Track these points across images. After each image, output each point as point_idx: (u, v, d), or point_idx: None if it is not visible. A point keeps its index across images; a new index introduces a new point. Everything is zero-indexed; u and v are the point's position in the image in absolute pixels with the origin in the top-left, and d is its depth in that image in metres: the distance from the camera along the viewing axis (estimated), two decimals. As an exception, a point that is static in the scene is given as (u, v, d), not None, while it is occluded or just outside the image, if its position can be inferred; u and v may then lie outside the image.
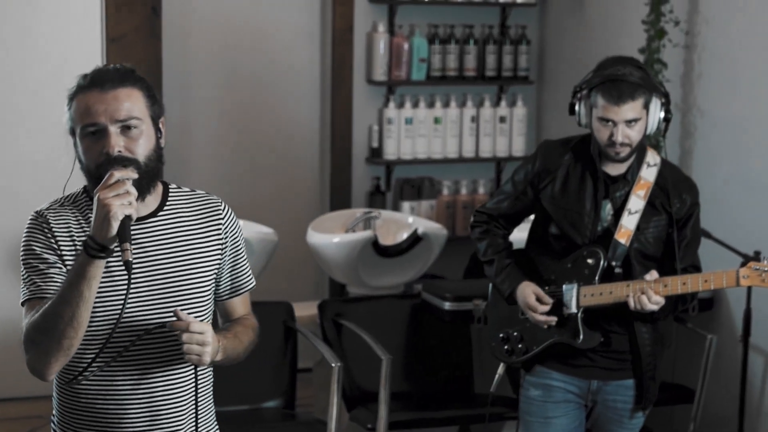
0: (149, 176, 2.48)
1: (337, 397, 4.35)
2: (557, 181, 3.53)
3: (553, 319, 3.52)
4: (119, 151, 2.44)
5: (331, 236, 5.35)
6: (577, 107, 3.51)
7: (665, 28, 5.13)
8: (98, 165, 2.45)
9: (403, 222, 5.61)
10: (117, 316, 2.44)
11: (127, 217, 2.35)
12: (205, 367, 2.57)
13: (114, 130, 2.45)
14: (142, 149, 2.47)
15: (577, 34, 6.01)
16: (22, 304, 2.49)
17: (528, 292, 3.54)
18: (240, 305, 2.74)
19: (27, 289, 2.48)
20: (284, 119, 6.09)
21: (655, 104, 3.44)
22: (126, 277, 2.40)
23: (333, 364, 4.35)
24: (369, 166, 6.13)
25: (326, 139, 6.11)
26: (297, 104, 6.11)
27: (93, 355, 2.46)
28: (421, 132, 6.08)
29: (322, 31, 6.08)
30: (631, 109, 3.37)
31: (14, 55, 5.48)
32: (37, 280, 2.46)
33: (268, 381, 4.66)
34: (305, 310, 5.13)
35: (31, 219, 2.53)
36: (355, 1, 5.97)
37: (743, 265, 3.52)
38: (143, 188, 2.46)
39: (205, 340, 2.43)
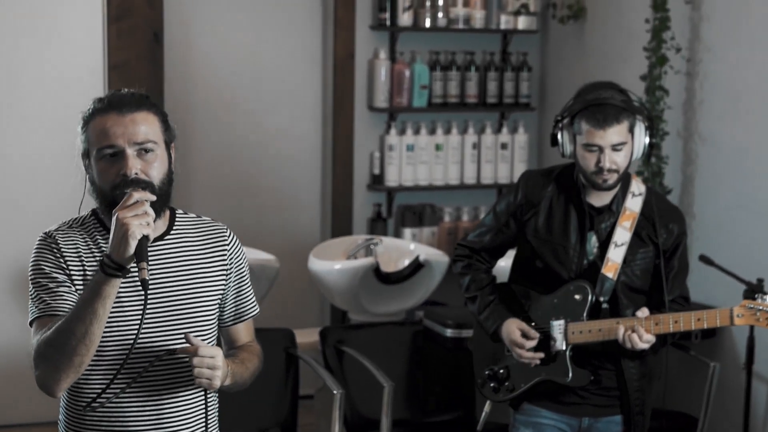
0: (162, 200, 2.52)
1: (338, 424, 4.33)
2: (541, 214, 3.46)
3: (540, 356, 3.44)
4: (136, 174, 2.47)
5: (333, 263, 5.34)
6: (559, 137, 3.42)
7: (667, 55, 5.14)
8: (114, 186, 2.47)
9: (405, 249, 5.60)
10: (125, 338, 2.48)
11: (145, 237, 2.38)
12: (214, 391, 2.58)
13: (131, 152, 2.48)
14: (157, 173, 2.51)
15: (578, 61, 6.02)
16: (31, 323, 2.50)
17: (512, 328, 3.46)
18: (244, 332, 2.76)
19: (36, 307, 2.49)
20: (285, 146, 6.09)
21: (640, 128, 3.36)
22: (132, 299, 2.46)
23: (335, 391, 4.33)
24: (370, 192, 6.13)
25: (328, 166, 6.12)
26: (298, 131, 6.11)
27: (99, 376, 2.48)
28: (422, 158, 6.08)
29: (324, 57, 6.09)
30: (616, 132, 3.29)
31: (16, 81, 5.49)
32: (47, 298, 2.47)
33: (270, 407, 4.64)
34: (307, 337, 5.12)
35: (39, 240, 2.55)
36: (357, 28, 5.98)
37: (747, 293, 3.51)
38: (156, 211, 2.48)
39: (215, 364, 2.46)
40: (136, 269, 2.40)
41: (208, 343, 2.60)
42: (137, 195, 2.41)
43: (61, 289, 2.48)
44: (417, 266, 5.27)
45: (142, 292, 2.41)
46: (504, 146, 6.21)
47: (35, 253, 2.54)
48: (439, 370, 4.95)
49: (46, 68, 5.53)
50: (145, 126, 2.51)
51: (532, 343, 3.44)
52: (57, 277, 2.49)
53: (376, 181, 6.09)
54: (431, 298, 5.56)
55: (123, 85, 5.46)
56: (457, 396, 4.92)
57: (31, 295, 2.52)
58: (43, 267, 2.50)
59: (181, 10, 5.80)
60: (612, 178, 3.34)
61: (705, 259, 4.58)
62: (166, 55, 5.70)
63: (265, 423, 4.62)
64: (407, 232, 6.07)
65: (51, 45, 5.53)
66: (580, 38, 6.00)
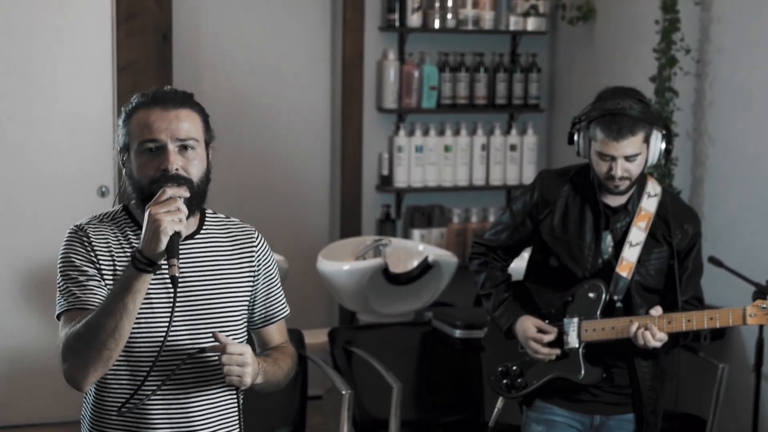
0: (198, 198, 2.52)
1: (347, 425, 4.33)
2: (556, 212, 3.47)
3: (556, 352, 3.45)
4: (177, 169, 2.47)
5: (341, 264, 5.34)
6: (575, 137, 3.45)
7: (676, 57, 5.13)
8: (153, 180, 2.47)
9: (414, 250, 5.60)
10: (153, 335, 2.48)
11: (177, 234, 2.38)
12: (244, 390, 2.57)
13: (173, 148, 2.48)
14: (196, 170, 2.51)
15: (587, 62, 6.01)
16: (59, 316, 2.50)
17: (528, 325, 3.47)
18: (276, 333, 2.75)
19: (65, 300, 2.49)
20: (294, 147, 6.10)
21: (656, 137, 3.37)
22: (161, 296, 2.47)
23: (343, 392, 4.33)
24: (379, 193, 6.13)
25: (336, 167, 6.12)
26: (307, 132, 6.12)
27: (126, 374, 2.49)
28: (431, 160, 6.08)
29: (333, 58, 6.09)
30: (630, 144, 3.30)
31: (27, 82, 5.51)
32: (76, 291, 2.47)
33: (279, 408, 4.64)
34: (315, 338, 5.13)
35: (70, 232, 2.54)
36: (366, 29, 5.98)
37: (756, 294, 3.50)
38: (192, 208, 2.49)
39: (244, 361, 2.45)
40: (167, 266, 2.40)
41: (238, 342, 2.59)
42: (170, 191, 2.40)
43: (91, 282, 2.48)
44: (426, 267, 5.27)
45: (172, 289, 2.41)
46: (513, 148, 6.21)
47: (65, 245, 2.52)
48: (447, 371, 4.95)
49: (56, 69, 5.55)
50: (188, 123, 2.51)
51: (550, 338, 3.45)
52: (87, 271, 2.48)
53: (385, 182, 6.09)
54: (440, 299, 5.56)
55: (132, 85, 5.52)
56: (465, 397, 4.92)
57: (59, 287, 2.51)
58: (73, 260, 2.49)
59: (189, 10, 5.81)
60: (624, 185, 3.36)
61: (714, 261, 4.57)
62: (175, 55, 5.71)
63: (274, 423, 4.62)
64: (416, 233, 6.07)
65: (60, 46, 5.54)
66: (589, 40, 6.00)
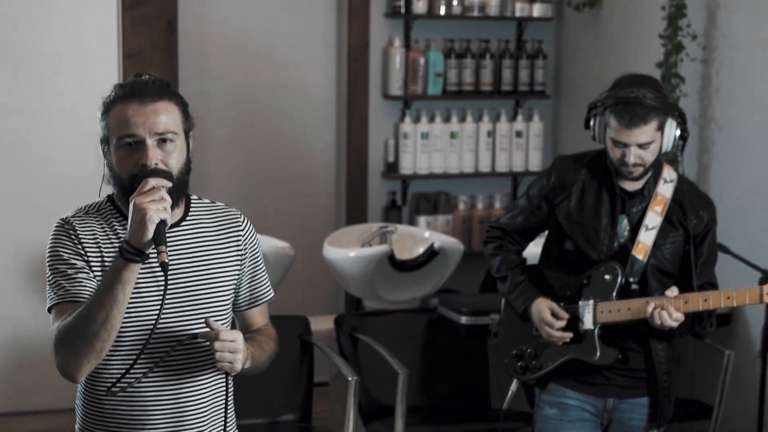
0: (179, 188, 2.53)
1: (353, 411, 4.34)
2: (573, 196, 3.50)
3: (569, 335, 3.49)
4: (156, 164, 2.48)
5: (347, 251, 5.35)
6: (592, 122, 3.49)
7: (683, 43, 5.12)
8: (132, 175, 2.48)
9: (419, 236, 5.61)
10: (143, 322, 2.50)
11: (162, 222, 2.40)
12: (234, 375, 2.59)
13: (151, 143, 2.49)
14: (176, 162, 2.52)
15: (593, 49, 6.00)
16: (50, 309, 2.52)
17: (543, 307, 3.51)
18: (259, 316, 2.78)
19: (54, 293, 2.51)
20: (300, 134, 6.10)
21: (671, 125, 3.39)
22: (150, 284, 2.49)
23: (349, 378, 4.34)
24: (385, 180, 6.13)
25: (342, 154, 6.12)
26: (313, 119, 6.11)
27: (119, 362, 2.51)
28: (437, 147, 6.08)
29: (338, 45, 6.09)
30: (643, 132, 3.33)
31: (32, 70, 5.51)
32: (65, 284, 2.49)
33: (285, 394, 4.65)
34: (321, 324, 5.13)
35: (57, 225, 2.56)
36: (371, 15, 5.98)
37: (762, 281, 3.51)
38: (173, 200, 2.49)
39: (236, 348, 2.48)
40: (155, 254, 2.42)
41: (225, 327, 2.61)
42: (153, 181, 2.41)
43: (80, 275, 2.49)
44: (432, 254, 5.27)
45: (160, 277, 2.44)
46: (519, 134, 6.21)
47: (53, 238, 2.54)
48: (453, 358, 4.95)
49: (61, 57, 5.54)
50: (166, 116, 2.51)
51: (562, 323, 3.48)
52: (75, 263, 2.50)
53: (391, 169, 6.09)
54: (446, 286, 5.56)
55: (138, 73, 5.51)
56: (471, 383, 4.93)
57: (49, 281, 2.53)
58: (61, 253, 2.51)
59: (195, -3, 5.81)
60: (637, 171, 3.40)
61: (721, 247, 4.57)
62: (181, 43, 5.70)
63: (279, 410, 4.63)
64: (422, 219, 6.07)
65: (66, 33, 5.54)
66: (595, 26, 5.98)
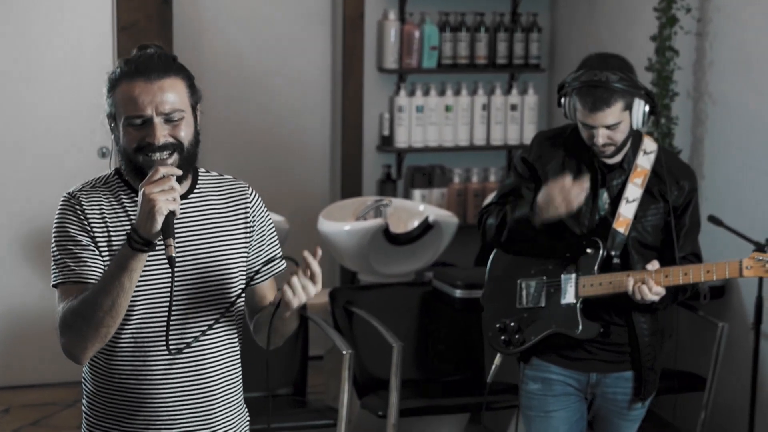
0: (189, 160, 2.52)
1: (348, 385, 4.35)
2: (553, 171, 3.48)
3: (586, 184, 3.31)
4: (164, 142, 2.47)
5: (342, 224, 5.36)
6: (562, 101, 3.46)
7: (677, 16, 5.11)
8: (138, 148, 2.47)
9: (414, 210, 5.61)
10: (153, 301, 2.51)
11: (171, 213, 2.38)
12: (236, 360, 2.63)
13: (158, 120, 2.47)
14: (185, 134, 2.50)
15: (588, 22, 5.99)
16: (55, 286, 2.52)
17: (542, 192, 3.34)
18: (270, 290, 2.74)
19: (60, 272, 2.50)
20: (295, 107, 6.09)
21: (638, 103, 3.36)
22: (158, 269, 2.48)
23: (344, 352, 4.35)
24: (380, 154, 6.13)
25: (337, 127, 6.12)
26: (307, 92, 6.11)
27: (126, 340, 2.51)
28: (432, 120, 6.08)
29: (333, 18, 6.08)
30: (608, 115, 3.32)
31: (26, 44, 5.50)
32: (71, 264, 2.49)
33: (280, 368, 4.67)
34: (316, 298, 5.05)
35: (63, 200, 2.55)
36: (366, -12, 5.97)
37: (754, 252, 3.50)
38: (184, 171, 2.50)
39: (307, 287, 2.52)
40: (163, 245, 2.40)
41: (234, 300, 2.60)
42: (163, 170, 2.39)
43: (86, 253, 2.49)
44: (426, 227, 5.28)
45: (168, 265, 2.42)
46: (514, 107, 6.21)
47: (59, 214, 2.53)
48: (448, 331, 4.97)
49: (56, 31, 5.54)
50: (173, 93, 2.49)
51: (569, 178, 3.32)
52: (81, 241, 2.49)
53: (386, 142, 6.09)
54: (440, 259, 5.57)
55: (132, 46, 5.48)
56: (466, 356, 4.94)
57: (54, 256, 2.53)
58: (68, 229, 2.50)
59: (189, -29, 5.79)
60: (609, 150, 3.39)
61: (714, 220, 4.58)
62: (175, 16, 5.69)
63: (275, 384, 4.65)
64: (417, 193, 6.08)
65: (60, 7, 5.53)
66: (590, -2, 5.98)
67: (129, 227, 2.46)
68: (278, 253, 2.73)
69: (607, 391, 3.55)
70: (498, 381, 3.79)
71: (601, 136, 3.35)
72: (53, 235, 2.53)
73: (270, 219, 2.73)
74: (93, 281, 2.46)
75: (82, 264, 2.48)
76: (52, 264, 2.54)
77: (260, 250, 2.69)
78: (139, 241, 2.37)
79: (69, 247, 2.50)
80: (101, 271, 2.48)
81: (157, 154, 2.46)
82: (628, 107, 3.35)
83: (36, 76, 5.54)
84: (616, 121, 3.34)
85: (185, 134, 2.50)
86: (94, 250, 2.50)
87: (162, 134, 2.46)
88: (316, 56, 6.10)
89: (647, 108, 3.39)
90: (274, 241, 2.74)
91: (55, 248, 2.53)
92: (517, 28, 6.17)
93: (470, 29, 6.09)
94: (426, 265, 5.44)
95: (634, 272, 3.38)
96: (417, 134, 6.06)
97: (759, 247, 3.45)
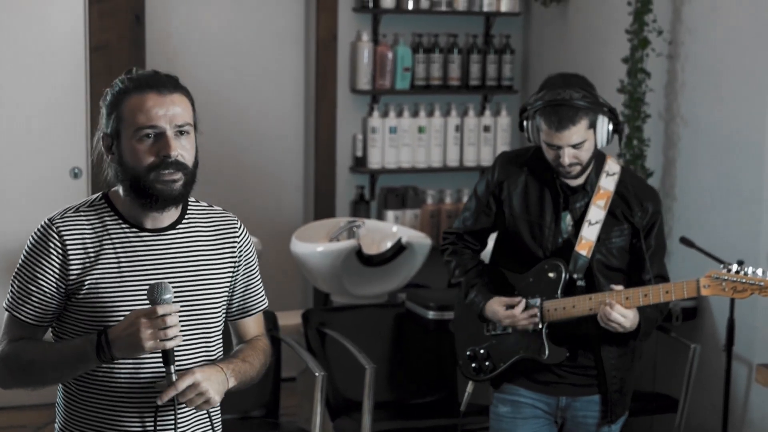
0: (191, 182, 2.50)
1: (320, 407, 4.34)
2: (517, 193, 3.50)
3: (534, 319, 3.44)
4: (177, 156, 2.44)
5: (315, 245, 5.34)
6: (525, 125, 3.47)
7: (648, 38, 5.14)
8: (152, 167, 2.43)
9: (387, 231, 5.61)
10: (137, 369, 2.48)
11: (171, 349, 2.38)
12: (218, 405, 2.56)
13: (172, 134, 2.44)
14: (189, 155, 2.48)
15: (560, 44, 6.02)
16: (5, 308, 2.50)
17: (495, 307, 3.49)
18: (253, 325, 2.72)
19: (13, 302, 2.49)
20: (268, 128, 6.08)
21: (602, 121, 3.38)
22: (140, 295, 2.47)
23: (317, 373, 4.34)
24: (353, 175, 6.13)
25: (310, 148, 6.11)
26: (281, 113, 6.10)
27: (103, 368, 2.48)
28: (405, 141, 6.08)
29: (306, 39, 6.08)
30: (573, 133, 3.33)
31: (-3, 63, 5.47)
32: (27, 305, 2.47)
33: (253, 390, 4.58)
34: (289, 319, 5.13)
35: (41, 229, 2.49)
36: (339, 9, 5.97)
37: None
38: (187, 192, 2.48)
39: (200, 389, 2.42)
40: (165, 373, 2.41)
41: (214, 336, 2.57)
42: (161, 309, 2.35)
43: (40, 297, 2.46)
44: (399, 248, 5.28)
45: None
46: (487, 129, 6.22)
47: (32, 244, 2.48)
48: (421, 352, 4.96)
49: (27, 49, 5.51)
50: (182, 108, 2.46)
51: (521, 307, 3.44)
52: (41, 283, 2.45)
53: (359, 163, 6.09)
54: (414, 281, 5.57)
55: (104, 66, 5.49)
56: (439, 378, 4.93)
57: (12, 282, 2.50)
58: (33, 266, 2.46)
59: (162, -9, 5.78)
60: (575, 170, 3.40)
61: (686, 241, 4.60)
62: (148, 36, 5.68)
63: (247, 405, 4.62)
64: (390, 214, 6.07)
65: (32, 26, 5.50)
66: (562, 21, 6.00)
67: (112, 256, 2.44)
68: (260, 290, 2.71)
69: (577, 415, 3.54)
70: (472, 403, 3.78)
71: (567, 156, 3.34)
72: (20, 260, 2.50)
73: (255, 255, 2.69)
74: (36, 324, 2.47)
75: (34, 306, 2.46)
76: (10, 285, 2.51)
77: (245, 287, 2.66)
78: (108, 357, 2.38)
79: (27, 285, 2.46)
80: (51, 316, 2.47)
81: (170, 170, 2.42)
82: (593, 125, 3.36)
83: (8, 95, 5.51)
84: (581, 140, 3.34)
85: (190, 155, 2.47)
86: (51, 296, 2.46)
87: (177, 148, 2.43)
88: (289, 77, 6.10)
89: (611, 126, 3.40)
90: (258, 277, 2.70)
91: (15, 276, 2.50)
92: (490, 50, 6.19)
93: (443, 51, 6.10)
94: (399, 287, 5.44)
95: (596, 294, 3.38)
96: (390, 155, 6.06)
97: (725, 266, 3.44)
